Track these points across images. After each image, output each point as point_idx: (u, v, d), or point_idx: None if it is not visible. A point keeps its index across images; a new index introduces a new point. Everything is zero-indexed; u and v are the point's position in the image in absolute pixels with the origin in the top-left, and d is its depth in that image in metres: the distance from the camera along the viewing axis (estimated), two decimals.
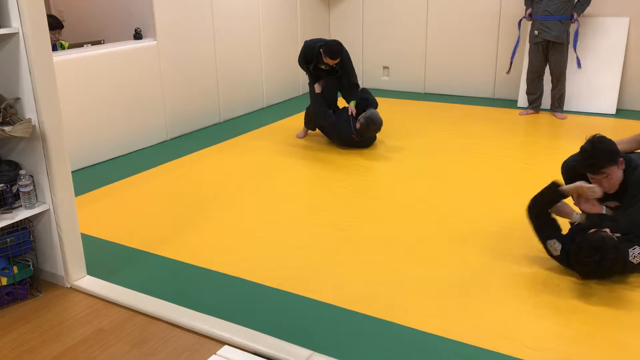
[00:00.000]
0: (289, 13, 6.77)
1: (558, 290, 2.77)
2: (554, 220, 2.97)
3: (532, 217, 3.00)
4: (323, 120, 5.08)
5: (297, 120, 5.73)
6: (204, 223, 3.62)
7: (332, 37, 7.58)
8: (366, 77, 7.54)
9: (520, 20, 5.96)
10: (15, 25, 2.55)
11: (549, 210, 2.96)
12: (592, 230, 2.78)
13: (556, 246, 2.87)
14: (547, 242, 2.92)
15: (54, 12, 5.80)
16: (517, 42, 6.08)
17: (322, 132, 5.27)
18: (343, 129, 4.96)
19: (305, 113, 5.35)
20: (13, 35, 2.57)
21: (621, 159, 2.85)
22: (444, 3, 6.79)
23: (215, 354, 2.31)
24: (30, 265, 2.81)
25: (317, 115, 5.13)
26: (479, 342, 2.40)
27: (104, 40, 5.25)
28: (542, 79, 5.95)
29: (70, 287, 2.90)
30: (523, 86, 6.27)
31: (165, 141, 5.37)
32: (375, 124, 4.87)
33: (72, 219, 2.85)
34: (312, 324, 2.57)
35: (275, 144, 5.21)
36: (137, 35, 5.17)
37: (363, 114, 4.91)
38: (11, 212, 2.69)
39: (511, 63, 6.14)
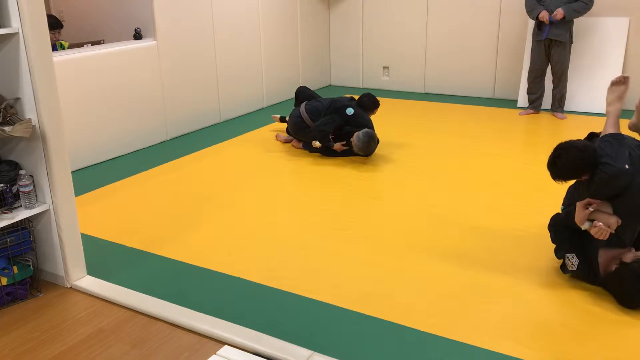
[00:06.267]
0: (289, 13, 6.77)
1: (558, 290, 2.77)
2: (573, 236, 2.85)
3: (551, 233, 2.97)
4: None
5: None
6: (204, 223, 3.62)
7: (332, 37, 7.64)
8: (366, 77, 7.55)
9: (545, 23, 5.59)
10: (15, 25, 2.55)
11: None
12: (626, 254, 2.69)
13: (573, 261, 2.78)
14: (566, 256, 2.83)
15: (54, 12, 5.81)
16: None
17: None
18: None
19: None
20: (13, 35, 2.57)
21: (585, 176, 2.71)
22: (444, 3, 6.79)
23: (215, 354, 2.31)
24: (30, 265, 2.81)
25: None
26: (479, 342, 2.40)
27: (104, 40, 5.26)
28: (544, 79, 5.95)
29: (70, 287, 2.90)
30: (523, 86, 6.27)
31: (165, 141, 5.38)
32: (375, 142, 4.64)
33: (72, 219, 2.84)
34: (312, 324, 2.57)
35: (275, 144, 5.22)
36: (137, 35, 5.18)
37: (358, 138, 4.56)
38: (11, 212, 2.68)
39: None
